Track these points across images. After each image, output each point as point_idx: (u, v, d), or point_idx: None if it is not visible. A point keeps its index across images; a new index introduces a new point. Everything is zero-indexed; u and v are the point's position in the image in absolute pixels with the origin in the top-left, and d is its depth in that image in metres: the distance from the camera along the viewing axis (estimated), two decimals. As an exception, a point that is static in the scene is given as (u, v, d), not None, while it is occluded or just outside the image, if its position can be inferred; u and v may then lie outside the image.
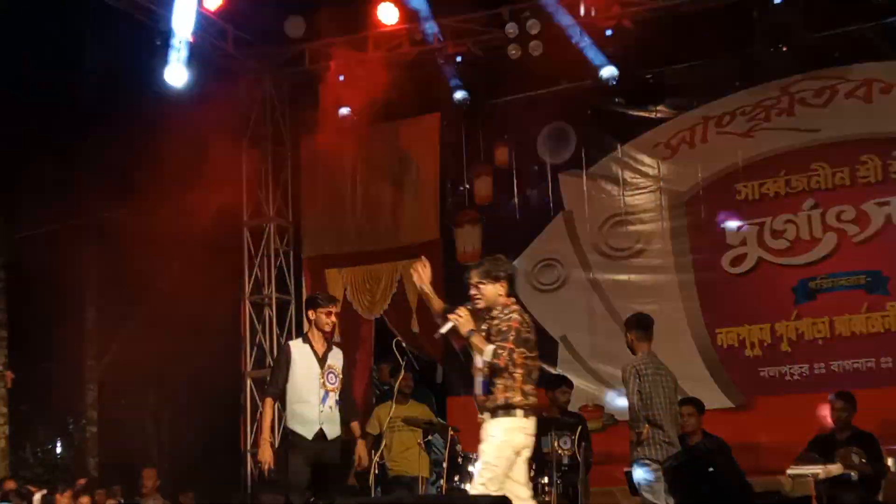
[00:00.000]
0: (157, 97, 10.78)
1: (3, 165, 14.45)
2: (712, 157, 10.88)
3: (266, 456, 7.63)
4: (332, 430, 7.75)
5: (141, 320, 15.37)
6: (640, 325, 8.41)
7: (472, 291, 6.44)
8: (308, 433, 7.67)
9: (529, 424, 6.16)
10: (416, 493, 9.39)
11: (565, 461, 8.70)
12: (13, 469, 13.70)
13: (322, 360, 7.80)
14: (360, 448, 8.01)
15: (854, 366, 10.02)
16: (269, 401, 7.82)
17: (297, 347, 7.89)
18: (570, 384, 9.66)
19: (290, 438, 7.74)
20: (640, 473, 7.87)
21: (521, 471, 6.20)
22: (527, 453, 6.22)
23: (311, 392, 7.71)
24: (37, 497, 10.84)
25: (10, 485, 11.16)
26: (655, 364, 8.22)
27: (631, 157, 11.23)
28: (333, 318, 7.93)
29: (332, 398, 7.77)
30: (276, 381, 7.80)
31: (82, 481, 11.92)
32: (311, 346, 7.84)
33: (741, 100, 10.82)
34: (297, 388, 7.73)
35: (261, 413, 8.23)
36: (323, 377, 7.75)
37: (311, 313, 7.89)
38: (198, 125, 12.62)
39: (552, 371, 10.82)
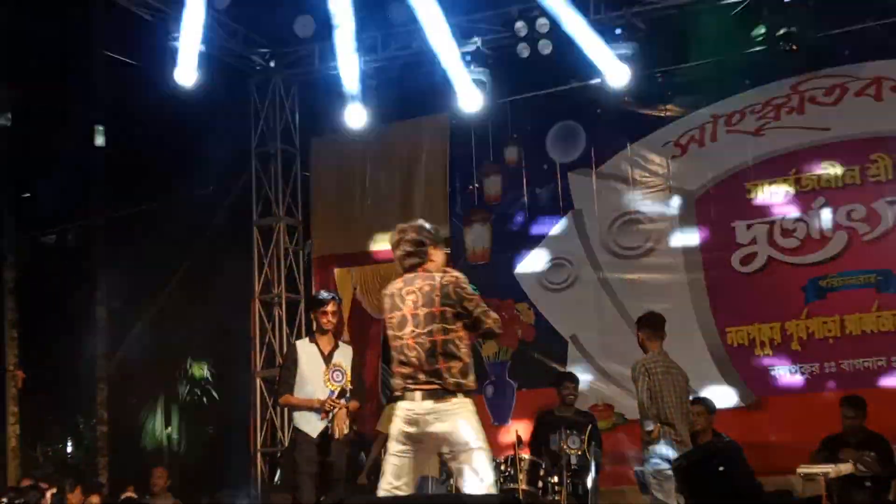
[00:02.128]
0: (167, 97, 10.80)
1: (13, 166, 14.51)
2: (722, 155, 10.86)
3: (324, 399, 7.64)
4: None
5: (151, 319, 15.41)
6: (652, 324, 8.42)
7: None
8: (313, 431, 7.70)
9: (397, 408, 5.74)
10: (426, 493, 9.40)
11: (574, 460, 8.70)
12: (24, 468, 13.74)
13: (328, 359, 7.83)
14: (339, 416, 7.77)
15: (865, 365, 9.99)
16: (286, 396, 7.90)
17: (304, 347, 7.94)
18: (573, 380, 9.67)
19: (296, 437, 7.77)
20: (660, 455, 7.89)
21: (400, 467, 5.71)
22: (400, 445, 5.70)
23: (316, 391, 7.75)
24: (47, 495, 10.87)
25: (26, 482, 11.20)
26: (666, 362, 8.22)
27: (640, 156, 11.21)
28: (331, 317, 7.92)
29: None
30: (286, 381, 7.85)
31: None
32: (318, 346, 7.88)
33: (751, 98, 10.79)
34: (302, 387, 7.78)
35: (286, 408, 8.23)
36: (328, 376, 7.77)
37: (312, 314, 8.00)
38: (208, 125, 12.67)
39: (560, 369, 10.83)
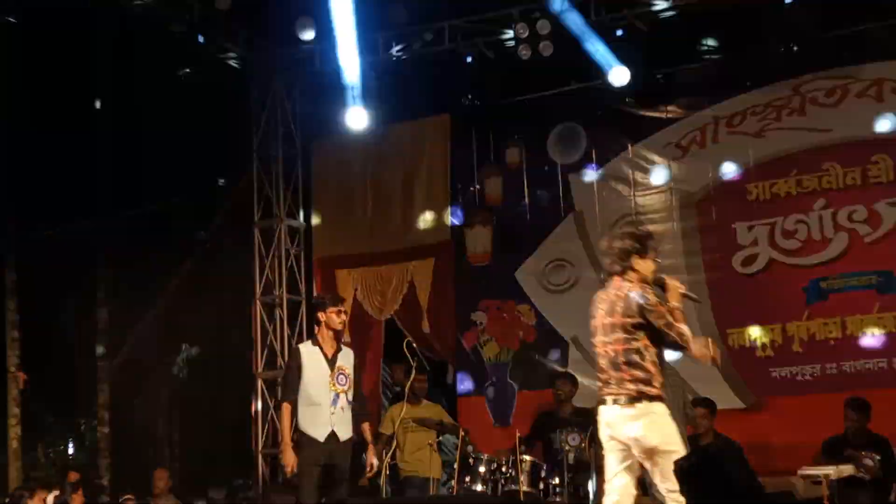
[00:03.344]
0: (168, 98, 10.81)
1: (15, 166, 14.49)
2: (723, 157, 10.85)
3: (290, 460, 7.67)
4: (344, 432, 7.78)
5: (152, 320, 15.40)
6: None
7: None
8: (320, 435, 7.69)
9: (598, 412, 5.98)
10: (428, 494, 9.41)
11: (574, 456, 8.71)
12: (25, 470, 13.73)
13: (332, 362, 7.82)
14: (371, 453, 8.05)
15: (866, 366, 9.99)
16: (286, 406, 7.83)
17: (307, 350, 7.91)
18: (567, 379, 9.72)
19: (301, 440, 7.76)
20: None
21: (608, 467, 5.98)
22: (609, 445, 5.94)
23: (322, 394, 7.73)
24: (49, 498, 10.86)
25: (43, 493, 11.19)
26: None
27: (642, 158, 11.21)
28: (343, 317, 8.00)
29: (343, 399, 7.80)
30: (290, 386, 7.82)
31: (73, 477, 11.94)
32: (321, 349, 7.86)
33: (752, 100, 10.79)
34: (307, 391, 7.76)
35: (278, 418, 8.28)
36: (333, 379, 7.77)
37: (321, 315, 7.93)
38: (209, 126, 12.67)
39: (560, 370, 10.83)
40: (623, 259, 5.95)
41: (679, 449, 5.80)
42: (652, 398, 5.73)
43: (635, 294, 5.78)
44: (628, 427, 5.76)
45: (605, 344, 5.87)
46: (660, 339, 5.77)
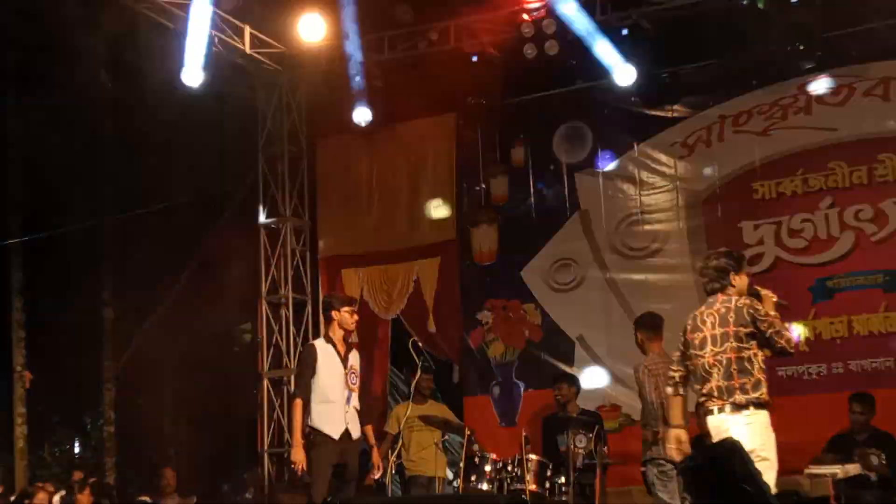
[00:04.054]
0: (173, 98, 10.81)
1: (21, 167, 14.53)
2: (729, 156, 10.84)
3: (299, 457, 7.67)
4: (356, 430, 7.89)
5: (158, 319, 15.42)
6: (651, 325, 8.42)
7: None
8: (335, 433, 7.73)
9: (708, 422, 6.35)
10: (433, 493, 9.41)
11: (580, 460, 8.70)
12: (31, 469, 13.77)
13: (345, 361, 7.86)
14: (375, 456, 8.08)
15: (872, 365, 9.97)
16: (299, 402, 7.84)
17: (322, 347, 7.94)
18: (567, 381, 9.71)
19: (314, 438, 7.76)
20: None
21: None
22: None
23: (337, 392, 7.78)
24: (56, 498, 10.88)
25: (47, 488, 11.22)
26: (667, 363, 8.21)
27: (647, 157, 11.20)
28: (356, 317, 8.05)
29: (355, 398, 7.88)
30: (305, 383, 7.83)
31: (78, 475, 11.96)
32: (335, 347, 7.89)
33: (758, 98, 10.77)
34: (322, 389, 7.78)
35: (289, 414, 8.29)
36: (346, 377, 7.81)
37: (334, 313, 7.96)
38: (213, 125, 12.68)
39: (567, 369, 10.83)
40: (722, 277, 6.49)
41: (772, 459, 6.15)
42: (758, 405, 6.19)
43: (746, 306, 6.27)
44: (734, 430, 6.08)
45: (717, 353, 6.28)
46: (767, 346, 6.27)
